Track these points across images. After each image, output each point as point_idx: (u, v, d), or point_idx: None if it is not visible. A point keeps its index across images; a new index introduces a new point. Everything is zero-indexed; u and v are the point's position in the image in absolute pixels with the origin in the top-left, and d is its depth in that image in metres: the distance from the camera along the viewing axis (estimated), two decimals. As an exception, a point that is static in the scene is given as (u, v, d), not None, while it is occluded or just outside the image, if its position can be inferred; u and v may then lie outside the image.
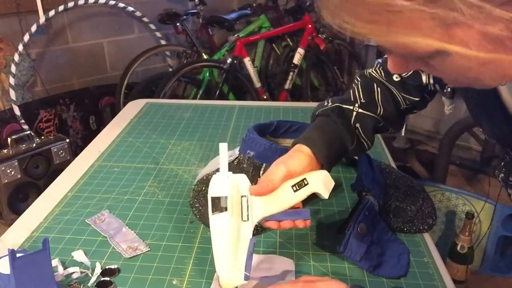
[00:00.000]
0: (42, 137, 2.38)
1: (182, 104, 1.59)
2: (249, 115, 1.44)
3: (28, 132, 2.40)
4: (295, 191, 0.72)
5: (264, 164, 0.90)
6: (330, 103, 0.83)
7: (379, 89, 0.83)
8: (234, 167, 0.94)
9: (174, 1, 3.14)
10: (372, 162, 0.94)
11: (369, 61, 3.22)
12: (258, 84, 3.08)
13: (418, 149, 2.88)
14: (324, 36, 3.13)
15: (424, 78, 0.78)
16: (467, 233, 1.81)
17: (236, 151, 0.99)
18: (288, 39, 3.33)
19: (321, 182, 0.74)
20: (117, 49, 3.00)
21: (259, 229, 0.88)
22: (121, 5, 2.86)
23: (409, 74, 0.80)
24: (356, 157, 0.97)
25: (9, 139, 2.21)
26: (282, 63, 3.43)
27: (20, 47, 2.51)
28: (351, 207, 0.93)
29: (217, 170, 0.97)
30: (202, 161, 1.15)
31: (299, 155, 0.75)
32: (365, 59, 3.24)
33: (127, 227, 0.89)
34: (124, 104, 2.13)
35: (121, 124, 1.38)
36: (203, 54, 2.95)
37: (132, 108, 1.52)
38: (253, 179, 0.90)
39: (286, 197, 0.72)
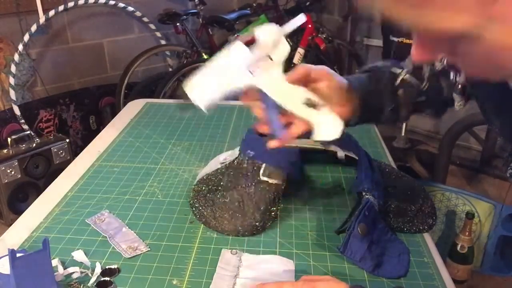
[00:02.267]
0: (42, 137, 2.38)
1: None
2: (249, 115, 1.44)
3: (28, 132, 2.40)
4: (307, 104, 0.72)
5: (264, 164, 0.90)
6: (381, 65, 0.79)
7: (427, 68, 0.78)
8: (234, 167, 0.94)
9: (174, 1, 3.14)
10: (372, 162, 0.94)
11: (369, 61, 3.22)
12: (258, 84, 3.07)
13: (418, 149, 2.87)
14: (324, 36, 3.13)
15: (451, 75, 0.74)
16: (467, 233, 1.81)
17: (236, 151, 0.99)
18: (288, 39, 3.32)
19: (327, 121, 0.72)
20: (117, 49, 3.00)
21: (259, 229, 0.88)
22: (121, 5, 2.86)
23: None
24: (356, 157, 0.97)
25: (9, 139, 2.21)
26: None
27: (20, 47, 2.51)
28: (351, 207, 0.93)
29: (217, 170, 0.97)
30: (202, 161, 1.15)
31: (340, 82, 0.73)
32: (365, 59, 3.23)
33: (127, 227, 0.89)
34: (124, 104, 2.13)
35: (121, 124, 1.38)
36: (203, 54, 2.95)
37: (132, 108, 1.52)
38: (253, 179, 0.90)
39: (294, 100, 0.72)
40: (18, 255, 0.63)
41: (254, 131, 0.95)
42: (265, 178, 0.90)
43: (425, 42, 0.44)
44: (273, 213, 0.90)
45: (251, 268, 0.78)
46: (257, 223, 0.87)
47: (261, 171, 0.90)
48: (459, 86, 0.65)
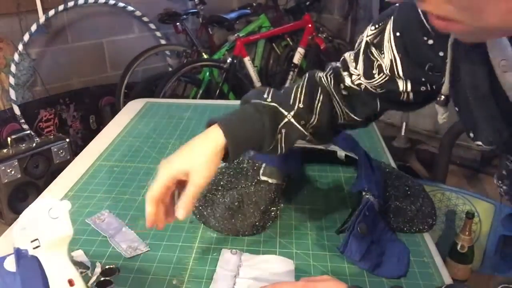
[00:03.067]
0: (42, 137, 2.38)
1: (182, 103, 1.59)
2: (249, 115, 1.44)
3: (28, 131, 2.40)
4: None
5: (264, 164, 0.90)
6: (269, 99, 0.76)
7: (321, 97, 0.79)
8: (234, 167, 0.94)
9: (174, 1, 3.14)
10: (372, 162, 0.94)
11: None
12: (258, 84, 3.07)
13: (418, 149, 2.87)
14: (324, 36, 3.13)
15: (401, 85, 0.71)
16: (467, 233, 1.81)
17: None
18: (288, 39, 3.33)
19: None
20: (117, 49, 3.00)
21: (259, 229, 0.88)
22: (121, 4, 2.86)
23: (384, 79, 0.72)
24: (356, 157, 0.97)
25: (9, 139, 2.21)
26: (282, 63, 3.43)
27: (20, 47, 2.51)
28: (351, 207, 0.93)
29: (217, 169, 0.97)
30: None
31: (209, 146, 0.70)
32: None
33: (127, 227, 0.89)
34: (124, 103, 2.13)
35: (121, 123, 1.38)
36: (203, 53, 2.95)
37: (132, 108, 1.52)
38: (253, 179, 0.90)
39: None
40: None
41: None
42: (265, 178, 0.90)
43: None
44: (273, 213, 0.90)
45: (251, 268, 0.78)
46: (257, 223, 0.87)
47: (261, 171, 0.90)
48: (442, 97, 0.65)
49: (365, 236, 0.79)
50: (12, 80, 2.51)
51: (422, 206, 0.91)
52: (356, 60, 0.75)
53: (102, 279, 0.75)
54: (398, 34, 0.67)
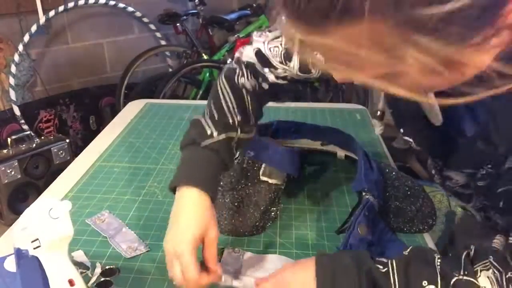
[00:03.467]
0: (42, 137, 2.38)
1: (182, 104, 1.59)
2: (249, 115, 1.44)
3: (28, 132, 2.40)
4: None
5: (264, 164, 0.90)
6: (216, 133, 0.78)
7: (250, 101, 0.82)
8: (234, 167, 0.94)
9: (174, 1, 3.14)
10: (372, 162, 0.94)
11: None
12: (258, 84, 3.07)
13: (418, 150, 2.87)
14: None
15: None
16: (467, 233, 1.81)
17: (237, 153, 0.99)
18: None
19: None
20: (117, 49, 3.00)
21: (259, 229, 0.88)
22: (121, 5, 2.86)
23: (319, 73, 0.80)
24: (356, 157, 0.97)
25: (9, 139, 2.21)
26: (282, 63, 3.43)
27: (20, 47, 2.51)
28: (351, 207, 0.93)
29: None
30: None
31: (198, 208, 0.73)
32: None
33: (127, 227, 0.89)
34: (124, 104, 2.13)
35: (121, 124, 1.38)
36: (203, 54, 2.95)
37: (132, 108, 1.52)
38: (253, 179, 0.90)
39: None
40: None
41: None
42: (265, 178, 0.90)
43: (335, 71, 0.54)
44: (273, 213, 0.90)
45: (253, 267, 0.78)
46: (257, 223, 0.87)
47: (261, 171, 0.90)
48: (378, 112, 0.70)
49: (365, 236, 0.79)
50: (12, 80, 2.51)
51: (422, 207, 0.91)
52: (288, 56, 0.79)
53: (102, 279, 0.75)
54: None
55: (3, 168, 2.11)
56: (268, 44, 0.81)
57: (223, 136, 0.78)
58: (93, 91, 2.89)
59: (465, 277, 0.59)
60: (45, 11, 2.54)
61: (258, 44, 0.82)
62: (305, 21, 0.45)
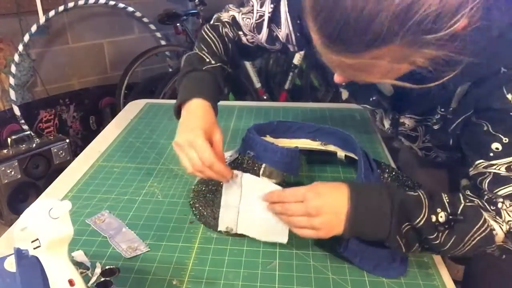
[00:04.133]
0: (42, 138, 2.38)
1: (182, 104, 1.58)
2: (249, 116, 1.44)
3: (28, 132, 2.40)
4: None
5: (264, 164, 0.90)
6: (213, 61, 0.97)
7: (230, 45, 1.02)
8: (234, 167, 0.94)
9: (174, 2, 3.14)
10: (372, 163, 0.94)
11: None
12: (258, 85, 3.07)
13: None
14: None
15: (291, 48, 1.01)
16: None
17: (236, 152, 0.99)
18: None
19: None
20: (117, 49, 3.00)
21: (259, 229, 0.88)
22: (121, 5, 2.86)
23: (281, 45, 1.02)
24: (356, 157, 0.97)
25: (9, 139, 2.21)
26: (282, 64, 3.43)
27: (20, 47, 2.51)
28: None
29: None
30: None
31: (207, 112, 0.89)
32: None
33: (127, 227, 0.89)
34: (124, 104, 2.13)
35: (121, 124, 1.38)
36: (203, 54, 2.95)
37: (132, 108, 1.52)
38: (253, 179, 0.90)
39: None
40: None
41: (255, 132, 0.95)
42: (265, 178, 0.90)
43: (346, 77, 0.72)
44: None
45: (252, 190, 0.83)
46: None
47: (261, 171, 0.90)
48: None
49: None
50: (12, 80, 2.51)
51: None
52: (258, 29, 0.99)
53: (102, 279, 0.75)
54: (298, 21, 0.92)
55: (3, 168, 2.11)
56: (242, 15, 1.01)
57: (219, 64, 0.97)
58: (93, 91, 2.89)
59: (468, 203, 0.73)
60: (45, 11, 2.54)
61: (233, 13, 1.02)
62: (338, 46, 0.62)
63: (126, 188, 1.03)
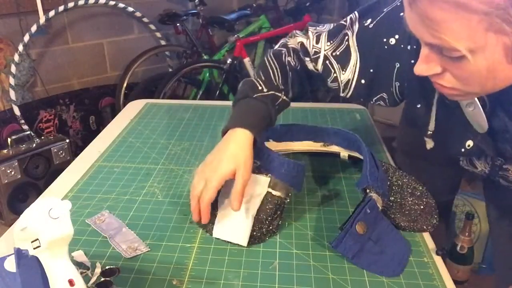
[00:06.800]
0: (42, 137, 2.39)
1: (182, 104, 1.59)
2: (249, 115, 1.44)
3: (28, 132, 2.40)
4: None
5: (269, 175, 0.89)
6: (266, 89, 0.93)
7: (292, 77, 0.97)
8: None
9: (174, 2, 3.14)
10: (377, 160, 0.94)
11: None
12: (258, 85, 3.07)
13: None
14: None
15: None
16: (467, 234, 1.81)
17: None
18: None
19: None
20: (117, 49, 3.00)
21: (256, 239, 0.87)
22: (121, 5, 2.86)
23: (336, 87, 0.93)
24: (360, 157, 0.97)
25: (9, 139, 2.21)
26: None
27: (20, 47, 2.51)
28: (352, 207, 0.93)
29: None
30: (202, 162, 1.15)
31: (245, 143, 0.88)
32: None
33: (127, 227, 0.89)
34: (124, 104, 2.13)
35: (121, 124, 1.38)
36: (203, 54, 2.96)
37: (132, 109, 1.52)
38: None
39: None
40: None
41: (261, 142, 0.94)
42: (268, 189, 0.88)
43: (429, 59, 0.63)
44: (271, 227, 0.87)
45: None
46: (254, 233, 0.85)
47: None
48: (429, 132, 0.84)
49: (363, 234, 0.79)
50: (12, 80, 2.51)
51: (426, 207, 0.91)
52: (315, 62, 0.94)
53: (102, 279, 0.75)
54: (371, 70, 0.87)
55: (3, 168, 2.11)
56: (312, 42, 0.94)
57: (271, 92, 0.94)
58: (93, 91, 2.89)
59: None
60: (45, 11, 2.54)
61: (301, 39, 0.95)
62: None
63: (126, 188, 1.03)
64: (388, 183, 0.93)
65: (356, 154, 1.02)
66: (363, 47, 0.87)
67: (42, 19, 2.53)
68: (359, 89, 0.90)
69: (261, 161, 0.90)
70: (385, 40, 0.83)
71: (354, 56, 0.88)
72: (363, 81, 0.89)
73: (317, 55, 0.92)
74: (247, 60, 3.03)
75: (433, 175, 1.07)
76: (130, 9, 2.92)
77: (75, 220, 0.91)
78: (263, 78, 0.95)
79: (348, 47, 0.89)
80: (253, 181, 0.87)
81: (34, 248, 0.61)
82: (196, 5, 3.00)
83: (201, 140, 1.28)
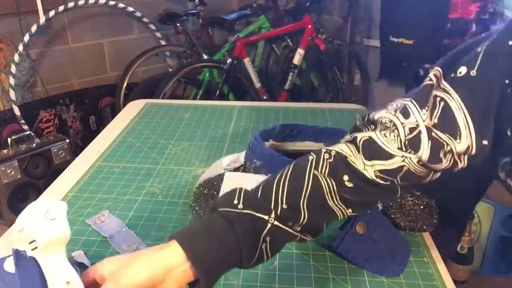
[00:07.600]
0: (42, 138, 2.39)
1: (182, 104, 1.59)
2: (249, 116, 1.44)
3: (28, 132, 2.40)
4: None
5: (269, 175, 0.89)
6: (241, 205, 0.60)
7: (309, 190, 0.63)
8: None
9: (174, 2, 3.14)
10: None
11: (369, 61, 3.21)
12: (258, 85, 3.08)
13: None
14: (324, 37, 3.13)
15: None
16: (467, 234, 1.81)
17: (241, 158, 0.98)
18: (288, 40, 3.33)
19: None
20: (117, 49, 3.00)
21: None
22: (121, 5, 2.86)
23: (450, 163, 0.64)
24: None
25: (9, 139, 2.21)
26: (282, 64, 3.43)
27: (20, 47, 2.51)
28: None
29: (220, 175, 0.96)
30: (202, 162, 1.15)
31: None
32: (365, 59, 3.23)
33: (127, 227, 0.89)
34: (124, 104, 2.13)
35: (121, 124, 1.38)
36: (203, 54, 2.96)
37: (132, 109, 1.52)
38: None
39: None
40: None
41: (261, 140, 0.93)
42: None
43: None
44: None
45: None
46: None
47: None
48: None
49: (363, 234, 0.79)
50: (12, 80, 2.51)
51: (426, 207, 0.91)
52: (412, 145, 0.63)
53: (102, 279, 0.75)
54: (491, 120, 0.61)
55: (3, 168, 2.11)
56: (381, 132, 0.65)
57: (246, 212, 0.59)
58: (93, 91, 2.89)
59: None
60: (45, 11, 2.54)
61: (370, 133, 0.66)
62: None
63: (126, 188, 1.03)
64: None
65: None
66: (473, 99, 0.61)
67: (42, 19, 2.53)
68: (482, 151, 0.62)
69: (262, 161, 0.90)
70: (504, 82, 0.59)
71: (461, 117, 0.61)
72: (485, 142, 0.62)
73: (412, 131, 0.63)
74: (247, 60, 3.03)
75: (459, 178, 0.92)
76: (130, 9, 2.92)
77: (75, 220, 0.91)
78: (253, 192, 0.64)
79: (447, 108, 0.62)
80: (254, 181, 0.87)
81: (32, 249, 0.61)
82: (196, 5, 3.00)
83: (201, 140, 1.28)
